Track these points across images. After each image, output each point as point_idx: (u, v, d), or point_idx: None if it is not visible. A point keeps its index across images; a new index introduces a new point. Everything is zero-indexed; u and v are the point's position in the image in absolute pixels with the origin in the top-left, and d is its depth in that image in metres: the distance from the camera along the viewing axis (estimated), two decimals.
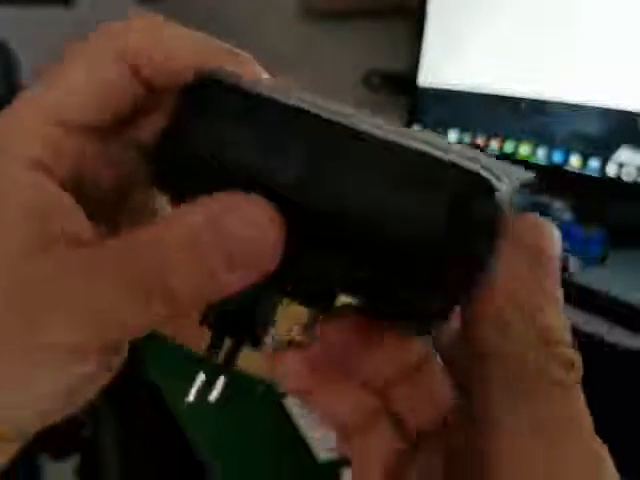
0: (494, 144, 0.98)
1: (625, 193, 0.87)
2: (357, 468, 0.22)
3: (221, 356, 0.22)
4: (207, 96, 0.19)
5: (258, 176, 0.18)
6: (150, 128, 0.21)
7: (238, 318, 0.21)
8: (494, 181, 0.17)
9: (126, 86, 0.20)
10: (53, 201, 0.18)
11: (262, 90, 0.18)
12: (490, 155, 0.18)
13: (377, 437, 0.21)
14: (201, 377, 0.21)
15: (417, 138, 0.17)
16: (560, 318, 0.18)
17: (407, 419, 0.21)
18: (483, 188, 0.16)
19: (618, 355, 0.71)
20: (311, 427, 0.71)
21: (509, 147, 0.96)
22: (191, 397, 0.21)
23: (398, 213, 0.16)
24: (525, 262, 0.18)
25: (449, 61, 1.01)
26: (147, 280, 0.17)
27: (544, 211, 0.86)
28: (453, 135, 1.02)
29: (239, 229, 0.17)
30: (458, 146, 0.18)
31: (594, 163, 0.89)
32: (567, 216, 0.87)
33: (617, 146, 0.86)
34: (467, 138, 1.00)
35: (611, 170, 0.87)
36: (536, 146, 0.94)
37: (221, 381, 0.22)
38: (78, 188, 0.19)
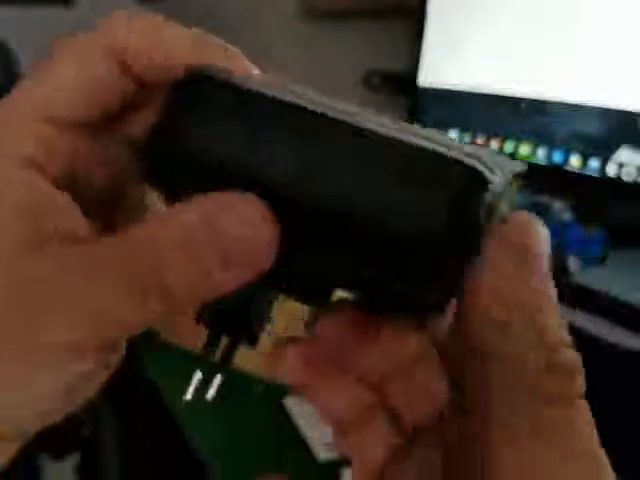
0: (494, 144, 0.97)
1: (625, 193, 0.87)
2: (354, 463, 0.22)
3: (218, 354, 0.22)
4: (198, 92, 0.19)
5: (251, 172, 0.18)
6: (140, 124, 0.21)
7: (234, 316, 0.21)
8: (488, 174, 0.17)
9: (115, 82, 0.20)
10: (46, 199, 0.18)
11: (255, 86, 0.18)
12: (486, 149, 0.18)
13: (373, 432, 0.21)
14: (198, 375, 0.21)
15: (417, 134, 0.17)
16: (557, 317, 0.18)
17: (403, 414, 0.21)
18: (480, 182, 0.17)
19: (618, 355, 0.71)
20: (311, 427, 0.72)
21: (509, 147, 0.96)
22: (188, 395, 0.21)
23: (397, 208, 0.16)
24: (511, 260, 0.18)
25: (449, 61, 1.01)
26: (143, 278, 0.17)
27: (544, 211, 0.86)
28: (453, 135, 1.02)
29: (233, 228, 0.17)
30: (456, 142, 0.18)
31: (594, 163, 0.89)
32: (567, 216, 0.87)
33: (617, 146, 0.86)
34: (467, 138, 1.00)
35: (611, 170, 0.87)
36: (536, 146, 0.94)
37: (218, 379, 0.22)
38: (72, 186, 0.19)
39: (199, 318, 0.21)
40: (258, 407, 0.76)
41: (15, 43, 1.29)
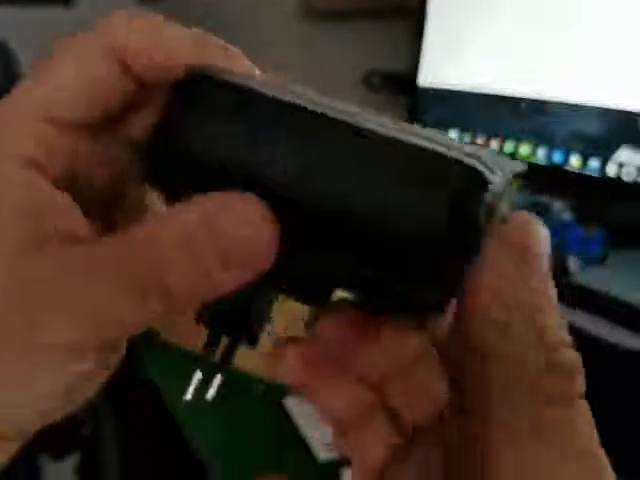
0: (494, 144, 0.97)
1: (625, 193, 0.87)
2: (354, 463, 0.22)
3: (218, 354, 0.22)
4: (198, 92, 0.19)
5: (251, 172, 0.18)
6: (141, 124, 0.21)
7: (234, 316, 0.21)
8: (488, 174, 0.17)
9: (115, 82, 0.20)
10: (46, 199, 0.18)
11: (255, 86, 0.18)
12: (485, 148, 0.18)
13: (373, 432, 0.21)
14: (198, 375, 0.21)
15: (417, 134, 0.17)
16: (557, 317, 0.18)
17: (403, 414, 0.21)
18: (479, 182, 0.17)
19: (618, 355, 0.71)
20: (311, 427, 0.71)
21: (509, 147, 0.96)
22: (188, 395, 0.21)
23: (397, 208, 0.16)
24: (511, 260, 0.18)
25: (449, 61, 1.01)
26: (143, 278, 0.17)
27: (544, 211, 0.86)
28: (453, 135, 1.02)
29: (233, 228, 0.17)
30: (456, 142, 0.18)
31: (594, 163, 0.89)
32: (567, 216, 0.87)
33: (617, 146, 0.86)
34: (467, 138, 1.00)
35: (611, 170, 0.87)
36: (536, 146, 0.94)
37: (218, 379, 0.22)
38: (72, 186, 0.19)
39: (199, 318, 0.21)
40: (258, 407, 0.76)
41: (15, 43, 1.29)
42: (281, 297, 0.21)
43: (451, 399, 0.20)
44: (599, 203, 0.90)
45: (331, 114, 0.18)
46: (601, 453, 0.18)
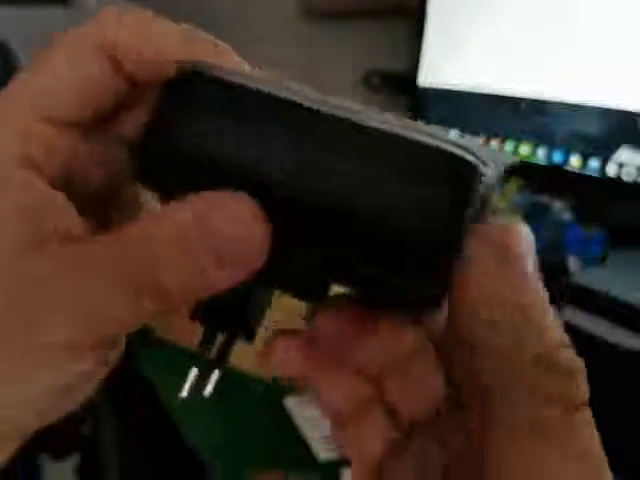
0: (494, 144, 0.97)
1: (625, 193, 0.87)
2: (353, 457, 0.22)
3: (214, 351, 0.22)
4: (189, 89, 0.18)
5: (246, 169, 0.18)
6: (133, 124, 0.21)
7: (231, 312, 0.21)
8: (482, 168, 0.17)
9: (107, 81, 0.20)
10: (45, 199, 0.18)
11: (248, 82, 0.18)
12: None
13: (371, 425, 0.21)
14: (194, 372, 0.21)
15: (412, 129, 0.17)
16: (551, 317, 0.18)
17: (400, 409, 0.21)
18: (476, 177, 0.17)
19: (619, 356, 0.71)
20: (311, 427, 0.72)
21: (509, 147, 0.96)
22: (184, 392, 0.21)
23: (395, 204, 0.16)
24: (492, 258, 0.18)
25: (449, 61, 1.01)
26: (138, 276, 0.17)
27: (544, 211, 0.86)
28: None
29: (225, 227, 0.17)
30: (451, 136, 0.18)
31: (594, 163, 0.89)
32: (567, 216, 0.87)
33: (617, 146, 0.86)
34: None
35: (611, 170, 0.87)
36: (536, 146, 0.94)
37: (215, 375, 0.22)
38: (67, 185, 0.19)
39: (194, 315, 0.21)
40: (257, 407, 0.76)
41: (15, 43, 1.30)
42: (278, 293, 0.21)
43: (448, 394, 0.21)
44: (599, 203, 0.90)
45: (325, 109, 0.17)
46: (601, 453, 0.18)
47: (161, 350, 0.84)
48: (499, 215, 0.18)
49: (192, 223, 0.17)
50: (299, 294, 0.20)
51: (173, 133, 0.18)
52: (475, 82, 0.98)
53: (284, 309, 0.22)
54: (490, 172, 0.17)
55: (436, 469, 0.21)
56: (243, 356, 0.22)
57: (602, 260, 0.86)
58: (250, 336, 0.21)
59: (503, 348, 0.17)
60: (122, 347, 0.20)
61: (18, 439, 0.19)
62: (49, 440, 1.14)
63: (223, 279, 0.17)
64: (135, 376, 0.83)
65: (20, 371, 0.17)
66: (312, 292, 0.20)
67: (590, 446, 0.18)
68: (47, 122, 0.19)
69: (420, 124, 0.18)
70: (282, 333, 0.21)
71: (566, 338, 0.18)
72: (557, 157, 0.92)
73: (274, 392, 0.75)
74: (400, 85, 1.12)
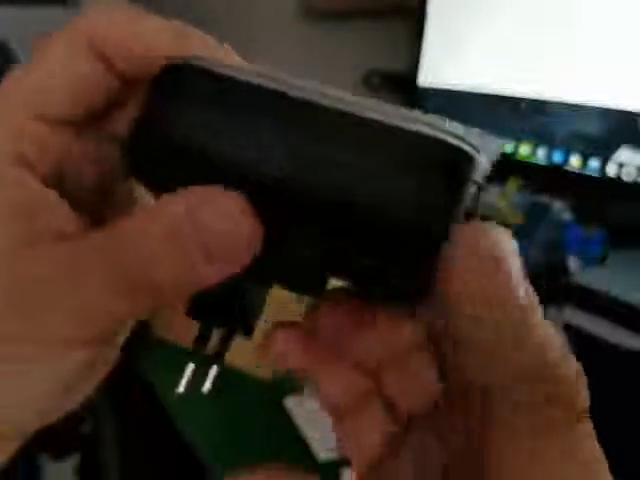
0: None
1: (625, 193, 0.87)
2: (352, 450, 0.22)
3: (211, 347, 0.21)
4: (179, 82, 0.18)
5: (237, 162, 0.17)
6: (126, 121, 0.21)
7: (226, 307, 0.21)
8: (477, 156, 0.17)
9: (99, 79, 0.20)
10: (38, 197, 0.18)
11: (238, 74, 0.18)
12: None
13: (369, 418, 0.21)
14: (190, 367, 0.21)
15: (409, 118, 0.17)
16: (540, 316, 0.18)
17: (398, 403, 0.21)
18: (471, 166, 0.17)
19: (619, 356, 0.71)
20: (311, 427, 0.71)
21: (509, 147, 0.96)
22: (181, 388, 0.21)
23: (390, 194, 0.16)
24: (476, 256, 0.17)
25: (449, 61, 1.01)
26: (131, 272, 0.17)
27: (544, 211, 0.86)
28: None
29: (214, 222, 0.17)
30: (435, 119, 0.17)
31: (594, 163, 0.89)
32: (567, 216, 0.87)
33: (617, 146, 0.86)
34: None
35: (611, 170, 0.87)
36: (536, 146, 0.94)
37: (214, 371, 0.22)
38: (60, 183, 0.19)
39: (190, 311, 0.21)
40: (258, 407, 0.76)
41: (15, 43, 1.29)
42: (276, 286, 0.21)
43: (446, 392, 0.21)
44: (599, 203, 0.90)
45: (317, 100, 0.17)
46: (601, 454, 0.18)
47: (161, 350, 0.84)
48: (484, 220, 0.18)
49: (184, 217, 0.17)
50: (297, 288, 0.20)
51: (163, 126, 0.18)
52: (475, 82, 0.98)
53: (279, 303, 0.22)
54: (484, 160, 0.17)
55: (436, 467, 0.21)
56: (243, 356, 0.22)
57: (602, 260, 0.86)
58: (248, 331, 0.21)
59: (486, 343, 0.17)
60: (119, 346, 0.20)
61: (18, 439, 0.19)
62: (49, 440, 1.14)
63: (212, 274, 0.17)
64: (134, 376, 0.83)
65: (18, 369, 0.17)
66: (310, 286, 0.20)
67: (590, 448, 0.18)
68: (40, 120, 0.19)
69: (416, 113, 0.17)
70: (281, 325, 0.21)
71: (559, 339, 0.18)
72: (557, 157, 0.92)
73: (274, 392, 0.75)
74: (400, 85, 1.12)
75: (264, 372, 0.77)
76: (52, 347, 0.17)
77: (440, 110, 1.04)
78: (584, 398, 0.18)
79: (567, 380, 0.17)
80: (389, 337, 0.21)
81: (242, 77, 0.18)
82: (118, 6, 0.20)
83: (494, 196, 0.88)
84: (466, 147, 0.17)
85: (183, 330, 0.80)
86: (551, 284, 0.82)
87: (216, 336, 0.22)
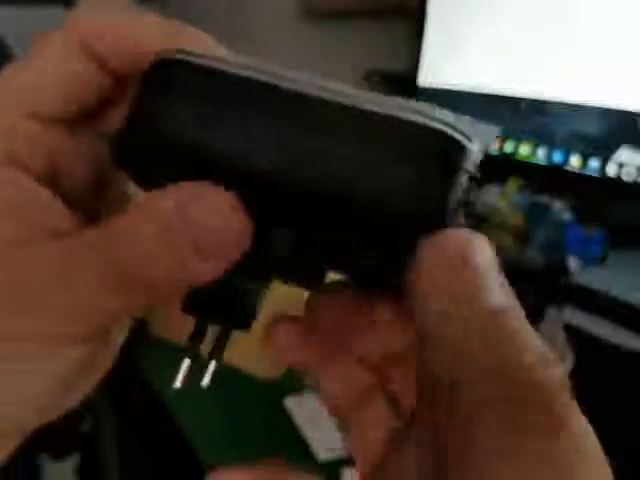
0: (494, 144, 0.97)
1: (625, 193, 0.87)
2: (355, 445, 0.22)
3: (209, 343, 0.21)
4: (168, 76, 0.18)
5: (228, 156, 0.17)
6: (118, 119, 0.21)
7: (222, 302, 0.21)
8: (469, 145, 0.17)
9: (92, 77, 0.20)
10: (31, 196, 0.18)
11: (229, 68, 0.18)
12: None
13: (373, 413, 0.21)
14: (186, 363, 0.21)
15: (401, 107, 0.17)
16: (521, 320, 0.17)
17: (402, 398, 0.21)
18: (464, 156, 0.16)
19: (620, 357, 0.71)
20: (311, 427, 0.71)
21: (509, 147, 0.96)
22: (178, 383, 0.21)
23: (387, 185, 0.16)
24: (445, 255, 0.17)
25: (449, 61, 1.01)
26: (124, 269, 0.17)
27: (544, 211, 0.86)
28: None
29: (204, 218, 0.17)
30: (428, 108, 0.17)
31: (594, 163, 0.89)
32: (567, 216, 0.87)
33: (617, 146, 0.86)
34: None
35: (611, 170, 0.87)
36: (536, 146, 0.94)
37: (212, 366, 0.21)
38: (54, 181, 0.19)
39: (186, 307, 0.21)
40: (258, 407, 0.76)
41: (15, 43, 1.29)
42: (275, 281, 0.21)
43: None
44: (599, 203, 0.90)
45: (308, 91, 0.17)
46: (587, 462, 0.16)
47: (160, 348, 0.84)
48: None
49: (174, 213, 0.17)
50: (295, 281, 0.20)
51: (151, 121, 0.18)
52: (475, 82, 0.98)
53: (276, 298, 0.22)
54: (477, 148, 0.17)
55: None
56: (244, 356, 0.22)
57: (602, 260, 0.86)
58: (245, 326, 0.21)
59: (454, 339, 0.17)
60: (117, 346, 0.20)
61: (18, 437, 0.19)
62: (49, 439, 1.14)
63: (203, 270, 0.17)
64: (134, 375, 0.83)
65: (14, 366, 0.17)
66: (309, 279, 0.20)
67: (572, 455, 0.17)
68: (32, 118, 0.19)
69: (409, 102, 0.17)
70: (281, 319, 0.21)
71: (542, 346, 0.17)
72: (557, 157, 0.92)
73: (274, 392, 0.75)
74: (400, 85, 1.12)
75: (264, 372, 0.77)
76: (46, 344, 0.17)
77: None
78: (564, 405, 0.16)
79: (544, 385, 0.16)
80: (390, 331, 0.21)
81: (232, 70, 0.18)
82: (113, 5, 0.20)
83: (494, 196, 0.88)
84: (458, 136, 0.17)
85: (179, 328, 0.80)
86: (551, 284, 0.82)
87: (212, 332, 0.22)
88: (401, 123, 0.17)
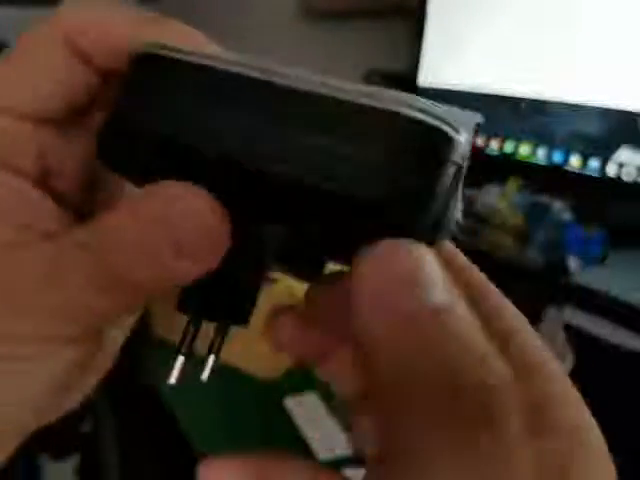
0: (494, 144, 0.97)
1: (625, 193, 0.87)
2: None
3: (208, 340, 0.21)
4: (150, 73, 0.18)
5: (212, 151, 0.17)
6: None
7: (219, 298, 0.21)
8: (456, 136, 0.16)
9: (78, 76, 0.19)
10: (21, 197, 0.18)
11: (210, 62, 0.18)
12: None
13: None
14: (180, 359, 0.21)
15: (387, 99, 0.17)
16: (468, 326, 0.16)
17: None
18: (450, 147, 0.16)
19: (621, 357, 0.71)
20: (311, 427, 0.71)
21: (509, 147, 0.96)
22: (172, 379, 0.21)
23: (364, 175, 0.16)
24: (374, 255, 0.16)
25: (449, 61, 1.01)
26: (111, 269, 0.17)
27: (544, 211, 0.86)
28: None
29: (183, 219, 0.17)
30: (415, 97, 0.17)
31: (594, 163, 0.89)
32: (567, 216, 0.87)
33: (617, 146, 0.86)
34: None
35: (611, 170, 0.87)
36: (536, 146, 0.94)
37: (211, 360, 0.21)
38: (45, 181, 0.19)
39: (180, 306, 0.21)
40: (258, 407, 0.76)
41: (15, 43, 1.29)
42: (273, 274, 0.21)
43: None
44: (599, 203, 0.90)
45: (288, 84, 0.17)
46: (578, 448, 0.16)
47: (162, 350, 0.84)
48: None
49: (156, 214, 0.17)
50: (293, 273, 0.20)
51: (133, 116, 0.18)
52: (475, 82, 0.98)
53: (274, 295, 0.21)
54: (464, 139, 0.17)
55: None
56: (243, 356, 0.22)
57: (602, 260, 0.86)
58: (242, 321, 0.21)
59: (392, 341, 0.16)
60: (119, 345, 0.20)
61: (17, 438, 0.19)
62: (49, 439, 1.14)
63: (186, 270, 0.17)
64: (135, 375, 0.83)
65: (10, 367, 0.17)
66: (308, 271, 0.20)
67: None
68: (21, 118, 0.19)
69: (395, 92, 0.17)
70: (280, 310, 0.21)
71: (487, 349, 0.15)
72: (557, 157, 0.92)
73: (274, 392, 0.75)
74: (400, 85, 1.12)
75: (264, 372, 0.77)
76: (40, 345, 0.17)
77: None
78: (503, 404, 0.15)
79: (483, 386, 0.15)
80: None
81: (221, 66, 0.18)
82: (98, 2, 0.20)
83: (494, 196, 0.88)
84: (445, 127, 0.16)
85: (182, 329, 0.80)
86: (551, 284, 0.82)
87: (211, 329, 0.21)
88: (386, 115, 0.16)
